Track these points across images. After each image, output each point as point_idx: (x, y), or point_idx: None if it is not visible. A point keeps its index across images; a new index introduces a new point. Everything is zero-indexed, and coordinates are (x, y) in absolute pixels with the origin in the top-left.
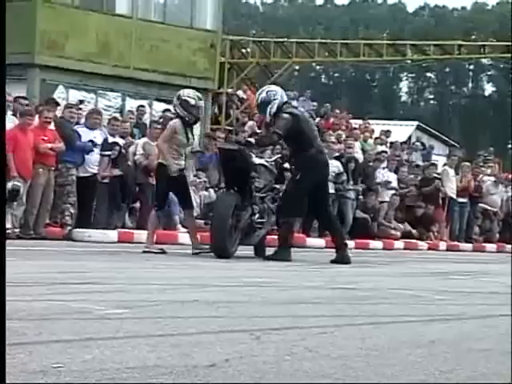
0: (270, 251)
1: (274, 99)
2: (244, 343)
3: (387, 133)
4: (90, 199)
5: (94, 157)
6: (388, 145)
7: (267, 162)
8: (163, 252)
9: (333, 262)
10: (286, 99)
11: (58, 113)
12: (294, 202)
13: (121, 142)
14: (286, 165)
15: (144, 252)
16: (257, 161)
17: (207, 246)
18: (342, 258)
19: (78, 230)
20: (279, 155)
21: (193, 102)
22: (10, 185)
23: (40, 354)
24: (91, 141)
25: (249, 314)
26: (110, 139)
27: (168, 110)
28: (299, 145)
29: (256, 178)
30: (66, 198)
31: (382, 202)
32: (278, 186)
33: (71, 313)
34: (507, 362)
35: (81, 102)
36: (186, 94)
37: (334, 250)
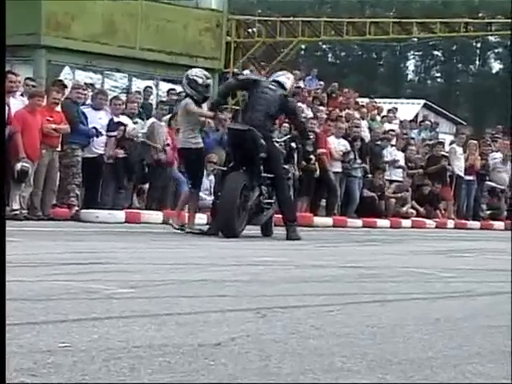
0: (277, 231)
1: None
2: (250, 322)
3: (394, 110)
4: (96, 180)
5: (100, 137)
6: (397, 122)
7: (277, 142)
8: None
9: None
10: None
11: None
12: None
13: (126, 121)
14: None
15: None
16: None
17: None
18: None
19: (85, 210)
20: (288, 136)
21: (201, 80)
22: (18, 166)
23: (47, 333)
24: (95, 128)
25: (255, 292)
26: (115, 119)
27: (173, 89)
28: None
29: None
30: (72, 179)
31: (391, 182)
32: (286, 167)
33: (78, 293)
34: None
35: (90, 85)
36: (194, 73)
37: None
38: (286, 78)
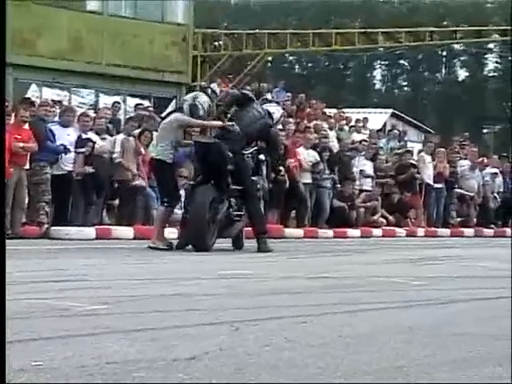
0: (248, 243)
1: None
2: (224, 335)
3: (364, 120)
4: (65, 197)
5: (69, 154)
6: (366, 132)
7: (244, 154)
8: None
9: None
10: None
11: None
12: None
13: (94, 138)
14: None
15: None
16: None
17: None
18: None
19: (55, 228)
20: (255, 147)
21: (201, 112)
22: None
23: (20, 352)
24: (63, 145)
25: (228, 305)
26: (83, 136)
27: (140, 104)
28: None
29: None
30: (41, 197)
31: (361, 191)
32: (255, 179)
33: (50, 310)
34: (488, 346)
35: (57, 102)
36: (202, 101)
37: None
38: (276, 110)
